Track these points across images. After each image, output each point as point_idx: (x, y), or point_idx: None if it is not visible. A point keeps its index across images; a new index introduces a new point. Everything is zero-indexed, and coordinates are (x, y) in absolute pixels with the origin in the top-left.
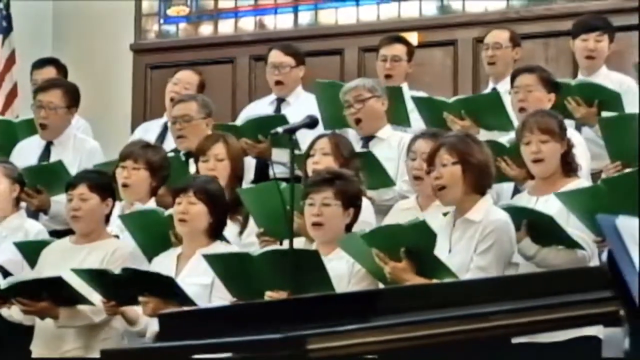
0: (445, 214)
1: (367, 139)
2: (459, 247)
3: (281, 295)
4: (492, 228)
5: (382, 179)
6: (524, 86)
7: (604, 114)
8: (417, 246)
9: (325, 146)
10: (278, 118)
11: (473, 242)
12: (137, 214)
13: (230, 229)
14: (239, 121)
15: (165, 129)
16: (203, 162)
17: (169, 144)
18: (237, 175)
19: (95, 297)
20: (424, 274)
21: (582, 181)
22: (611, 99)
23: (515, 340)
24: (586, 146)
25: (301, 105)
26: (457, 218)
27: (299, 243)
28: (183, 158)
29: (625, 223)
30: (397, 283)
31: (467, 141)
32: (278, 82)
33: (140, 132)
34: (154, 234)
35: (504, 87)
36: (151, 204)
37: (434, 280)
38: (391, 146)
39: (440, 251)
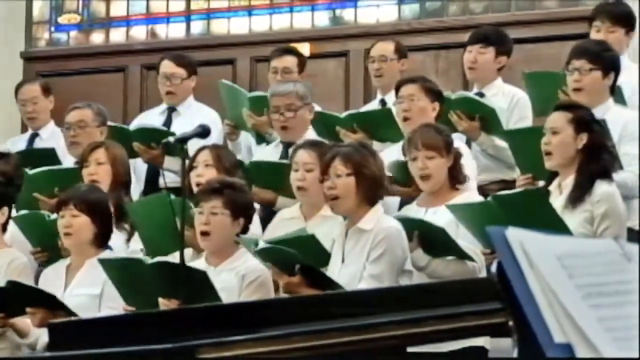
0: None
1: (287, 145)
2: (352, 256)
3: (173, 303)
4: (383, 236)
5: None
6: (407, 96)
7: (511, 126)
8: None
9: (207, 158)
10: (167, 133)
11: (365, 251)
12: (23, 216)
13: (117, 237)
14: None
15: (31, 141)
16: (85, 167)
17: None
18: (120, 180)
19: None
20: (317, 287)
21: (470, 194)
22: (486, 113)
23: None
24: (472, 159)
25: (192, 115)
26: (350, 228)
27: (187, 253)
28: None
29: (515, 234)
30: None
31: (362, 152)
32: (169, 92)
33: (9, 144)
34: (43, 238)
35: (392, 98)
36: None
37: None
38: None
39: (334, 261)
